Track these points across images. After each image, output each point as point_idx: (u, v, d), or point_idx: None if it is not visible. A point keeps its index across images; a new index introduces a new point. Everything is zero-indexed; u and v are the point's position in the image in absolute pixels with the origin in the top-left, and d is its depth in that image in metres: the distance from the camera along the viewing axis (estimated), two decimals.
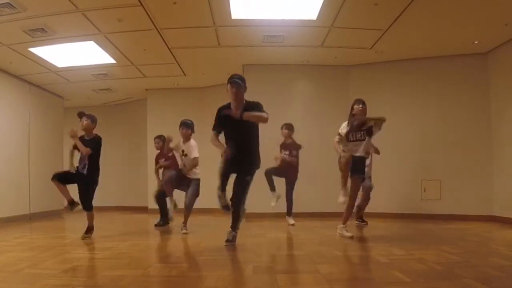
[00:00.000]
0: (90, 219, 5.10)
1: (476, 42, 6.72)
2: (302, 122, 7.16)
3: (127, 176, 11.24)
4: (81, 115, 5.11)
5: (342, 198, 4.99)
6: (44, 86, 9.02)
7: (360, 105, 5.02)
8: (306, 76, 8.17)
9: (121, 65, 7.81)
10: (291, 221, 6.51)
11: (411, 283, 2.73)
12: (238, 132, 4.29)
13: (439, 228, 5.97)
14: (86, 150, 4.87)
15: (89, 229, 5.09)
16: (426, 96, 7.54)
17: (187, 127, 5.70)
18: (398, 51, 7.31)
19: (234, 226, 4.44)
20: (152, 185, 9.65)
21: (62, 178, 4.92)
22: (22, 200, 8.16)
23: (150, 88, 9.90)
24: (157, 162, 6.79)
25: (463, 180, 7.15)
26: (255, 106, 4.30)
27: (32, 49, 6.72)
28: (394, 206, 6.77)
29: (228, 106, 4.37)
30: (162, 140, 6.45)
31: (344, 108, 7.71)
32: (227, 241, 4.39)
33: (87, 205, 4.97)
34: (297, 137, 6.78)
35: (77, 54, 7.09)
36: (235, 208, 4.35)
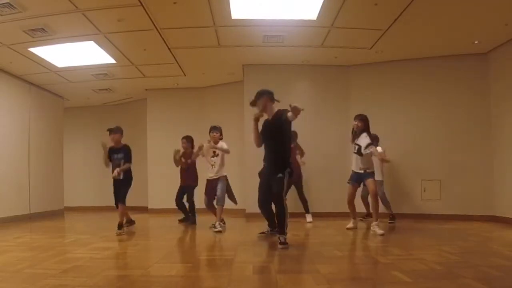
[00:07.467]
0: (122, 215, 5.77)
1: (476, 42, 6.72)
2: (302, 122, 7.13)
3: None
4: (110, 131, 5.91)
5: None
6: (44, 86, 9.02)
7: (356, 122, 5.50)
8: (306, 76, 8.15)
9: (121, 65, 7.81)
10: (309, 218, 6.92)
11: (411, 283, 2.73)
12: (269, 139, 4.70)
13: (439, 228, 5.97)
14: (126, 166, 5.75)
15: (121, 225, 5.70)
16: (426, 96, 7.53)
17: (217, 130, 6.08)
18: (398, 51, 7.30)
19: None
20: (152, 185, 9.72)
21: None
22: (22, 200, 8.16)
23: (150, 88, 9.89)
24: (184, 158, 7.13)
25: (463, 180, 7.15)
26: (278, 118, 4.57)
27: (32, 49, 6.71)
28: (394, 206, 6.77)
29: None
30: (189, 141, 6.92)
31: (344, 108, 7.78)
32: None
33: (123, 200, 5.78)
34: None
35: (77, 54, 7.08)
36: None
